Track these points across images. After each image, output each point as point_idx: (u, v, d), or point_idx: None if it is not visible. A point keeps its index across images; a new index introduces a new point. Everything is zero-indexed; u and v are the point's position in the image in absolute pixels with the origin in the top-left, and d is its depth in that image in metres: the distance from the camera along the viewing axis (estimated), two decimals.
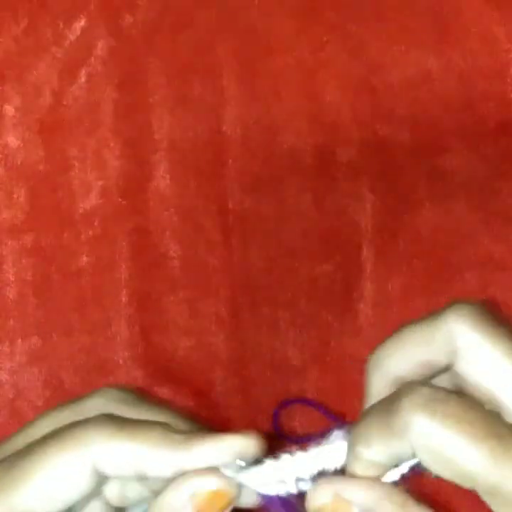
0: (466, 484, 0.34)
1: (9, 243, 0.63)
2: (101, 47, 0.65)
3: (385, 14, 0.65)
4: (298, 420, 0.60)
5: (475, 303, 0.37)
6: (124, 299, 0.62)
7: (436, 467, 0.34)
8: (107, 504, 0.38)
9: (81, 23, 0.66)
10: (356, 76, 0.65)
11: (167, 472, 0.35)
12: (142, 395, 0.41)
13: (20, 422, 0.61)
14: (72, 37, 0.66)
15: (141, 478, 0.36)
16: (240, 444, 0.37)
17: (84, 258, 0.63)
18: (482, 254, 0.62)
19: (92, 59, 0.65)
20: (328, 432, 0.40)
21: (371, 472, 0.36)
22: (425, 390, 0.35)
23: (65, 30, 0.66)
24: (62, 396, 0.61)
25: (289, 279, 0.62)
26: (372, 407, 0.37)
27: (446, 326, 0.37)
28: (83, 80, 0.65)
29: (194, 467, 0.35)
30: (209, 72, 0.65)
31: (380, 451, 0.36)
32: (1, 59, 0.65)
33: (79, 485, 0.35)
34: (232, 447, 0.37)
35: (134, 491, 0.38)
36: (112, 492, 0.37)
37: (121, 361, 0.61)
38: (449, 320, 0.37)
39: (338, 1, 0.65)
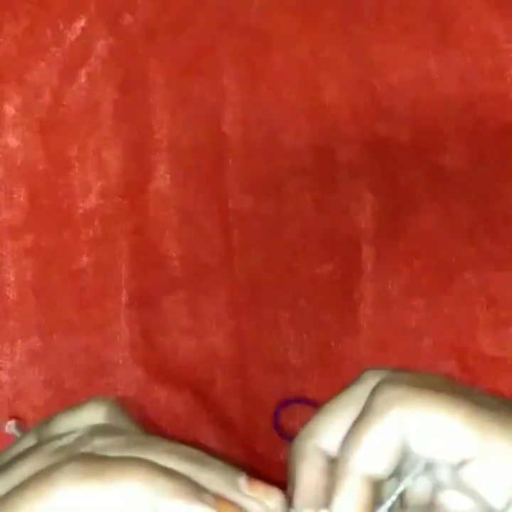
0: (456, 458, 0.35)
1: (9, 243, 0.63)
2: (101, 47, 0.65)
3: (385, 14, 0.65)
4: (298, 420, 0.60)
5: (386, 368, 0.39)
6: (124, 299, 0.62)
7: (428, 448, 0.35)
8: None
9: (81, 23, 0.66)
10: (356, 76, 0.65)
11: None
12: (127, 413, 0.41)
13: (20, 422, 0.61)
14: (72, 37, 0.66)
15: None
16: None
17: (84, 258, 0.63)
18: (482, 254, 0.62)
19: (92, 59, 0.65)
20: None
21: (366, 490, 0.35)
22: (402, 385, 0.36)
23: (65, 30, 0.66)
24: (62, 396, 0.61)
25: (289, 279, 0.62)
26: (350, 430, 0.37)
27: (365, 386, 0.38)
28: (83, 80, 0.65)
29: None
30: (209, 72, 0.65)
31: (373, 454, 0.36)
32: (1, 59, 0.65)
33: None
34: None
35: None
36: None
37: (121, 361, 0.61)
38: (366, 380, 0.39)
39: (338, 0, 0.65)
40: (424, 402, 0.35)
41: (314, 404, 0.60)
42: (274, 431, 0.60)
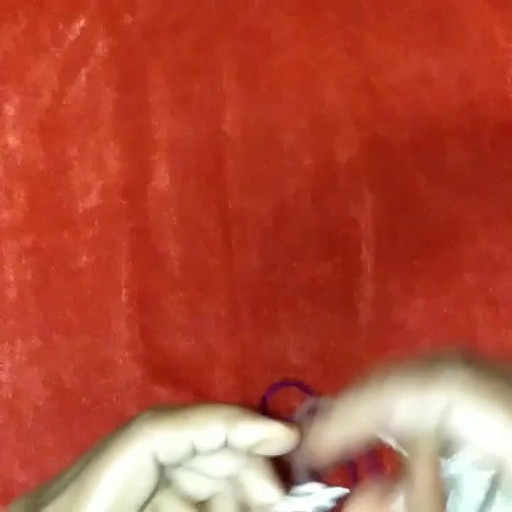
0: (490, 455, 0.35)
1: (9, 243, 0.63)
2: (101, 47, 0.65)
3: (385, 14, 0.65)
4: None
5: (460, 358, 0.37)
6: (124, 299, 0.62)
7: (466, 430, 0.35)
8: (186, 500, 0.40)
9: (81, 23, 0.66)
10: (356, 76, 0.65)
11: (215, 445, 0.37)
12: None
13: (20, 422, 0.61)
14: (71, 37, 0.66)
15: (193, 455, 0.38)
16: (280, 432, 0.37)
17: (84, 258, 0.63)
18: (482, 254, 0.62)
19: (92, 59, 0.65)
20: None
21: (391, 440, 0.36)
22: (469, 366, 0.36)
23: (64, 30, 0.66)
24: (62, 396, 0.61)
25: (289, 279, 0.62)
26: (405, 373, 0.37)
27: (441, 396, 0.37)
28: (83, 80, 0.65)
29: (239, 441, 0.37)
30: (209, 72, 0.65)
31: (411, 403, 0.36)
32: (1, 59, 0.65)
33: (148, 478, 0.37)
34: (271, 432, 0.38)
35: (207, 485, 0.40)
36: (187, 487, 0.39)
37: (121, 361, 0.61)
38: (442, 388, 0.37)
39: (338, 1, 0.65)
40: (488, 398, 0.35)
41: (305, 388, 0.60)
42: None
